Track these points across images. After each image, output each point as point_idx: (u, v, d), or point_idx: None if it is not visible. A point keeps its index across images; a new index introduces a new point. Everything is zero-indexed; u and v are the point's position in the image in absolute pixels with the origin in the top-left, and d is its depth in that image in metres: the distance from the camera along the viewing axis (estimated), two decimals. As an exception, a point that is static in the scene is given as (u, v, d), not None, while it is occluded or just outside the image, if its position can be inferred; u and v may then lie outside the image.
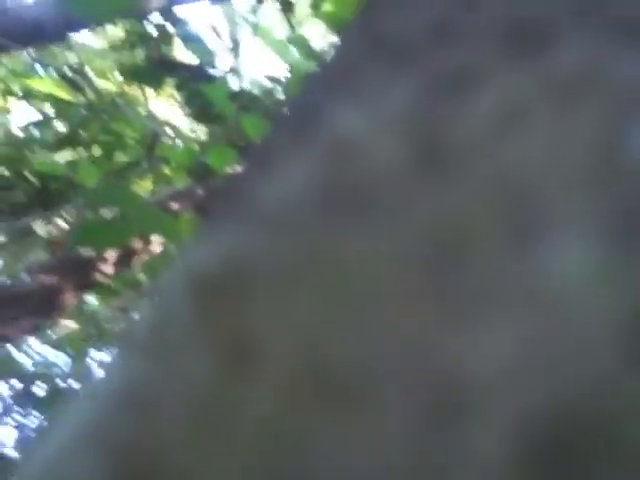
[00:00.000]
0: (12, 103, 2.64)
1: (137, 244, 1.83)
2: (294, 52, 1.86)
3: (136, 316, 0.14)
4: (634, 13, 0.13)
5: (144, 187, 2.37)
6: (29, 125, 2.39)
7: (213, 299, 0.12)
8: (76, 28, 1.56)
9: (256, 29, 2.23)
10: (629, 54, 0.12)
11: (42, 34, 1.43)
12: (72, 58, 2.46)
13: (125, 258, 1.90)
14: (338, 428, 0.09)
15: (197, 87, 1.61)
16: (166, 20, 1.86)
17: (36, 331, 1.87)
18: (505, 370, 0.08)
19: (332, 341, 0.09)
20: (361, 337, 0.09)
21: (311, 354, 0.09)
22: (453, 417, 0.08)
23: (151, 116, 2.08)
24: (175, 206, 1.78)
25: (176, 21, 1.86)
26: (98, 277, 1.91)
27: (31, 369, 3.14)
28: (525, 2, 0.15)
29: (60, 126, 2.36)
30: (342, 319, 0.09)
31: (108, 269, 1.92)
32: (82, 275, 1.88)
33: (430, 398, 0.08)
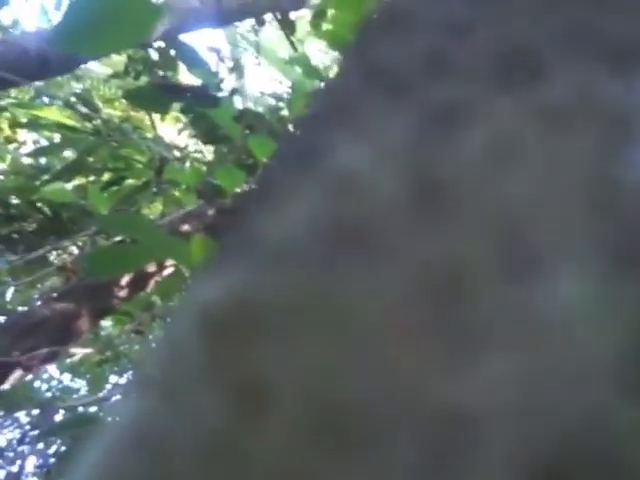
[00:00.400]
0: (20, 134, 2.67)
1: (151, 267, 1.84)
2: (296, 69, 1.87)
3: (148, 354, 0.14)
4: (622, 35, 0.13)
5: (154, 210, 2.38)
6: (37, 153, 2.42)
7: (221, 340, 0.12)
8: (81, 60, 1.58)
9: (258, 49, 2.25)
10: (619, 80, 0.12)
11: (48, 68, 1.44)
12: (77, 86, 2.49)
13: (139, 281, 1.91)
14: (346, 469, 0.09)
15: (202, 110, 1.62)
16: (169, 46, 1.88)
17: (54, 359, 1.88)
18: (506, 403, 0.09)
19: (337, 381, 0.09)
20: (364, 376, 0.09)
21: (318, 396, 0.09)
22: (456, 453, 0.08)
23: (158, 140, 2.10)
24: (185, 227, 1.79)
25: (179, 46, 1.88)
26: (113, 302, 1.92)
27: (49, 396, 3.15)
28: (514, 28, 0.15)
29: (69, 154, 2.38)
30: (346, 359, 0.10)
31: (122, 293, 1.93)
32: (97, 300, 1.89)
33: (433, 435, 0.08)
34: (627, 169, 0.10)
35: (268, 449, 0.10)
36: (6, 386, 1.75)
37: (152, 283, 1.96)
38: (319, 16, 1.65)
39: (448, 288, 0.10)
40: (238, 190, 1.34)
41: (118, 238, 1.73)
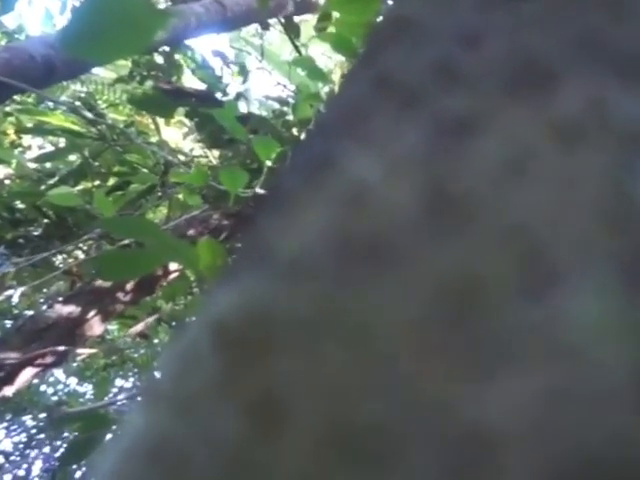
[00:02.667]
0: (25, 139, 2.68)
1: (156, 271, 1.84)
2: (300, 73, 1.88)
3: (159, 366, 0.14)
4: (636, 47, 0.13)
5: (159, 214, 2.38)
6: (42, 159, 2.42)
7: (236, 353, 0.12)
8: (87, 66, 1.58)
9: (262, 52, 2.25)
10: (632, 95, 0.12)
11: (54, 73, 1.45)
12: (82, 90, 2.49)
13: (145, 286, 1.91)
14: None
15: (207, 113, 1.63)
16: (174, 50, 1.89)
17: (61, 362, 1.88)
18: (527, 421, 0.09)
19: (354, 398, 0.09)
20: (382, 393, 0.09)
21: (333, 413, 0.09)
22: (477, 472, 0.08)
23: (162, 144, 2.10)
24: (190, 232, 1.79)
25: (184, 50, 1.88)
26: (119, 306, 1.92)
27: (55, 400, 3.15)
28: (526, 38, 0.15)
29: (74, 159, 2.38)
30: (362, 375, 0.10)
31: (128, 297, 1.93)
32: (103, 305, 1.89)
33: (454, 454, 0.08)
34: (635, 185, 0.10)
35: (284, 464, 0.10)
36: (13, 389, 1.75)
37: (158, 287, 1.96)
38: (323, 19, 1.66)
39: (465, 304, 0.10)
40: (242, 194, 1.34)
41: (123, 242, 1.74)
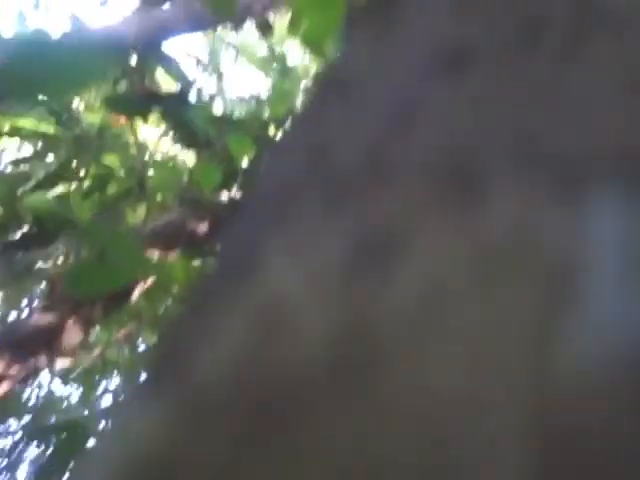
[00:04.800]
0: (2, 142, 2.64)
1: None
2: (275, 69, 1.86)
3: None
4: (568, 152, 0.12)
5: (137, 216, 2.36)
6: (18, 162, 2.39)
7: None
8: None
9: (237, 49, 2.23)
10: (564, 206, 0.11)
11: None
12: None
13: (125, 291, 1.89)
14: None
15: (180, 114, 1.60)
16: (147, 53, 1.86)
17: (45, 368, 1.86)
18: None
19: None
20: None
21: None
22: None
23: (140, 146, 2.07)
24: (165, 237, 1.77)
25: (157, 52, 1.86)
26: (98, 311, 1.90)
27: (40, 404, 3.13)
28: (461, 128, 0.14)
29: (51, 162, 2.35)
30: None
31: (108, 302, 1.91)
32: (83, 310, 1.87)
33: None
34: (564, 343, 0.09)
35: None
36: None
37: (137, 291, 1.94)
38: (296, 18, 1.64)
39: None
40: (216, 196, 1.33)
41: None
